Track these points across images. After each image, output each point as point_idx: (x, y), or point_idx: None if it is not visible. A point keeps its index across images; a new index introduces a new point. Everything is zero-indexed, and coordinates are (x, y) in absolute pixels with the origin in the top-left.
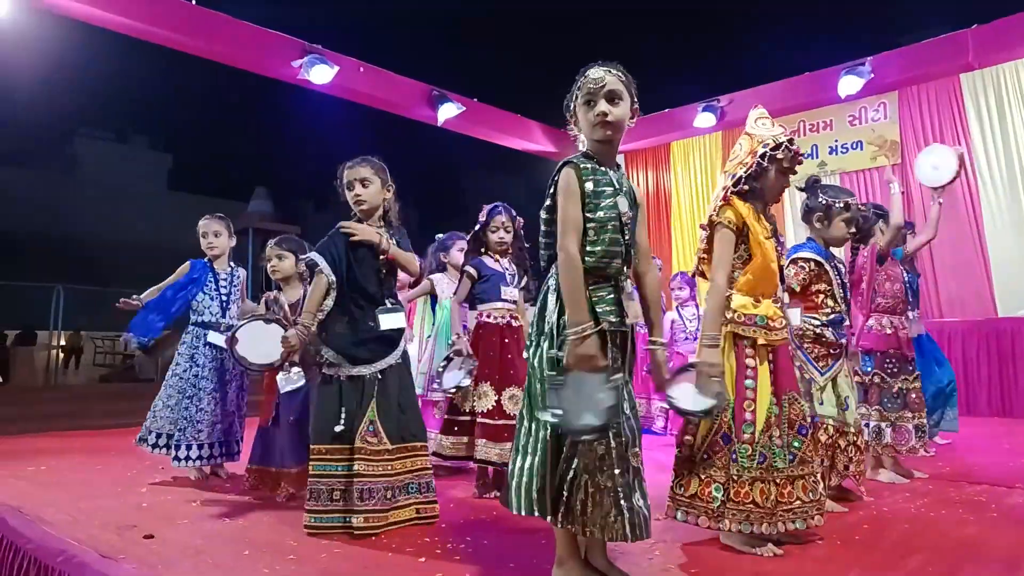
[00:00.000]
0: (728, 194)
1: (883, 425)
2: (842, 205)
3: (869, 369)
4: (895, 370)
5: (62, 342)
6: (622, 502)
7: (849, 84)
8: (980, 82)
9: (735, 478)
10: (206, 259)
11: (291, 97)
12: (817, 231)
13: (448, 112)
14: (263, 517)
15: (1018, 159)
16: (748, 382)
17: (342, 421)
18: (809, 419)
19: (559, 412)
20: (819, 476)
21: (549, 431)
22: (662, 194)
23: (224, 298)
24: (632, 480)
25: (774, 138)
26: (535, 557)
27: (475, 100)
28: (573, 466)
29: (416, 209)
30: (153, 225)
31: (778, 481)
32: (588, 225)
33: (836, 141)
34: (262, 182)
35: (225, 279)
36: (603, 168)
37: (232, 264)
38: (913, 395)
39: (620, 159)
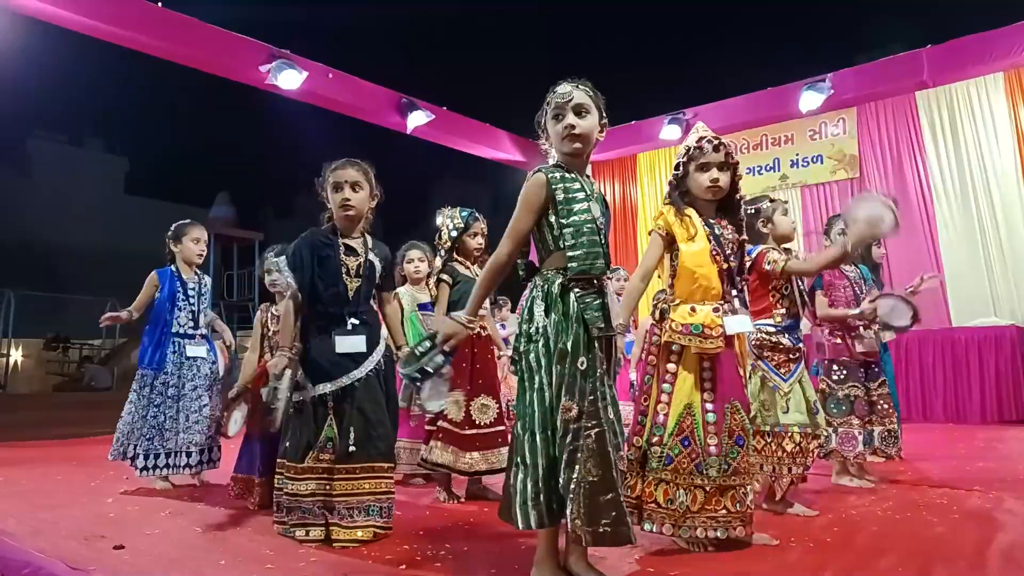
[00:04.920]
0: (662, 205)
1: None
2: (771, 201)
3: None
4: (843, 377)
5: (14, 350)
6: (623, 505)
7: (810, 100)
8: (934, 100)
9: (643, 478)
10: (171, 267)
11: (255, 101)
12: (765, 236)
13: (417, 120)
14: (237, 526)
15: (970, 174)
16: (665, 386)
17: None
18: (750, 431)
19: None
20: (748, 488)
21: (541, 442)
22: (628, 205)
23: (194, 308)
24: (619, 483)
25: (686, 145)
26: (515, 562)
27: (444, 108)
28: (574, 475)
29: (383, 217)
30: (109, 230)
31: (708, 488)
32: (565, 231)
33: (797, 155)
34: (223, 187)
35: (194, 288)
36: (573, 175)
37: (198, 272)
38: (882, 403)
39: (588, 170)
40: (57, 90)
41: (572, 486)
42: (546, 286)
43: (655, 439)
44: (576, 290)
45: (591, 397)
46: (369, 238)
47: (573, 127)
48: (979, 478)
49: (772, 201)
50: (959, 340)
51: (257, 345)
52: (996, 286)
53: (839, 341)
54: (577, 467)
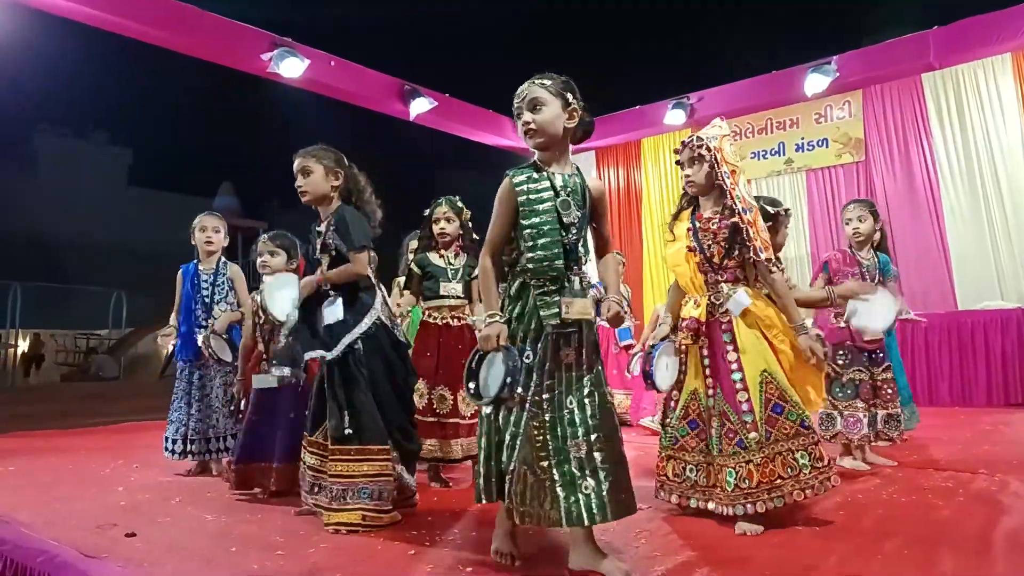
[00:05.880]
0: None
1: (833, 413)
2: (784, 211)
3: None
4: (847, 361)
5: (21, 341)
6: (559, 490)
7: (815, 83)
8: (941, 82)
9: (659, 454)
10: (195, 260)
11: (258, 91)
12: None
13: (420, 107)
14: (247, 513)
15: (976, 157)
16: (679, 375)
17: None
18: (732, 414)
19: (473, 386)
20: (740, 469)
21: (488, 425)
22: (632, 190)
23: (207, 299)
24: (575, 469)
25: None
26: (522, 545)
27: (447, 95)
28: (513, 457)
29: (386, 204)
30: (113, 221)
31: (713, 465)
32: (525, 232)
33: (802, 138)
34: (227, 178)
35: (207, 279)
36: (543, 174)
37: (223, 260)
38: (885, 387)
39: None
40: (62, 84)
41: (511, 467)
42: (510, 285)
43: (667, 420)
44: (535, 287)
45: (536, 387)
46: (335, 212)
47: (528, 123)
48: (985, 461)
49: (787, 211)
50: (965, 323)
51: (250, 331)
52: (1003, 269)
53: (843, 326)
54: (516, 451)
